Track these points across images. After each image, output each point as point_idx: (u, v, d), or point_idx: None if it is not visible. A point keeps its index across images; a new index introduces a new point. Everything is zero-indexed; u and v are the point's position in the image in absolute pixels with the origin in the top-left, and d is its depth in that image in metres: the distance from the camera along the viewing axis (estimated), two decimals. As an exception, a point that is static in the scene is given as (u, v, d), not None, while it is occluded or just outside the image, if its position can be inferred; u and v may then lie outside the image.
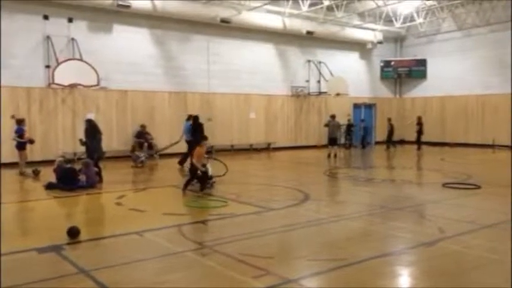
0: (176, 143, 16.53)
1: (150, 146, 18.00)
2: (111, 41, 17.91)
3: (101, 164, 11.92)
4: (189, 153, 15.37)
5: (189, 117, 15.66)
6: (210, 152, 15.07)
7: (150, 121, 18.66)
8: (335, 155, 18.60)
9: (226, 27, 20.21)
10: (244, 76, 21.26)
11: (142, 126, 18.20)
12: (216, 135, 20.11)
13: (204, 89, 20.27)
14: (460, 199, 9.58)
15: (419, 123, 22.70)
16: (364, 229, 7.26)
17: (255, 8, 20.14)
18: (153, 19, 18.67)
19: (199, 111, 20.02)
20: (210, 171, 10.52)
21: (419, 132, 22.57)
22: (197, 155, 10.05)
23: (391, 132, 23.62)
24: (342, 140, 23.99)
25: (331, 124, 19.18)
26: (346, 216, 8.04)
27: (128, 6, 17.34)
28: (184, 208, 8.49)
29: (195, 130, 14.32)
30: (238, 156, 16.70)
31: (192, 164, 10.11)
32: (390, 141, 23.45)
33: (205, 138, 11.35)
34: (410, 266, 5.46)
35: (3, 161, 14.60)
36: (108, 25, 17.91)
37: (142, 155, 16.10)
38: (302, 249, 6.14)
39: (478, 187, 10.70)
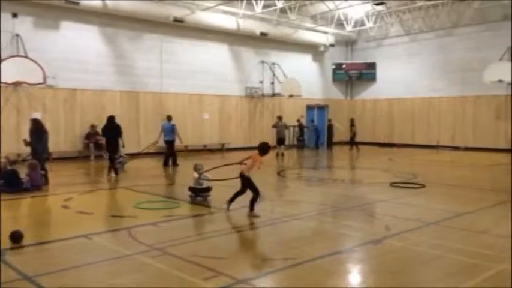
0: (156, 143, 16.63)
1: (100, 147, 17.57)
2: (59, 38, 17.28)
3: (47, 166, 11.45)
4: (170, 153, 15.66)
5: (170, 118, 15.91)
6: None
7: (100, 121, 18.11)
8: (282, 154, 19.14)
9: (179, 27, 20.00)
10: (198, 76, 21.12)
11: (92, 127, 17.69)
12: (169, 136, 19.85)
13: (157, 89, 19.96)
14: (406, 198, 9.94)
15: (353, 125, 23.40)
16: (316, 228, 7.39)
17: (208, 8, 20.06)
18: (103, 17, 18.18)
19: (151, 111, 19.79)
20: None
21: (353, 133, 23.43)
22: (253, 164, 8.00)
23: (354, 133, 24.06)
24: (295, 141, 24.43)
25: (279, 125, 19.95)
26: (298, 215, 8.14)
27: (77, 3, 16.79)
28: (134, 210, 8.30)
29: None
30: (193, 157, 16.54)
31: (244, 175, 8.00)
32: (353, 143, 23.80)
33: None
34: (358, 263, 5.60)
35: None
36: (56, 22, 17.26)
37: (121, 157, 15.84)
38: (254, 249, 6.17)
39: (423, 186, 11.15)
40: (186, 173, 13.20)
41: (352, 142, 23.50)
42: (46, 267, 5.17)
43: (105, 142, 13.37)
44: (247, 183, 7.95)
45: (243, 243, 6.57)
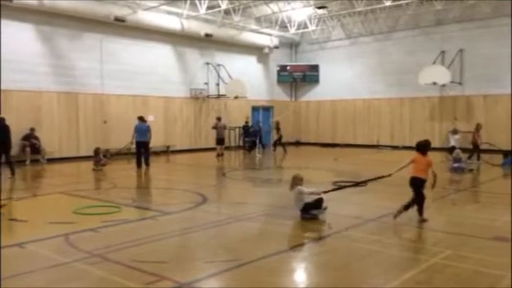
0: (131, 144, 16.26)
1: (37, 150, 16.84)
2: (-10, 36, 16.29)
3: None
4: (145, 154, 15.48)
5: (143, 119, 15.84)
6: None
7: (36, 123, 17.31)
8: (222, 155, 19.40)
9: (121, 26, 19.48)
10: (141, 77, 20.65)
11: (32, 130, 16.94)
12: (111, 138, 19.33)
13: (98, 90, 19.31)
14: (348, 196, 10.23)
15: (278, 127, 23.77)
16: (260, 229, 7.44)
17: (151, 7, 19.68)
18: (40, 15, 17.35)
19: (92, 113, 19.14)
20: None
21: (280, 136, 23.64)
22: (429, 165, 7.58)
23: (280, 136, 24.28)
24: (241, 142, 24.49)
25: (218, 126, 20.23)
26: (244, 216, 8.16)
27: (11, 0, 15.91)
28: (72, 216, 7.97)
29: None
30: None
31: (420, 178, 7.51)
32: (280, 143, 24.06)
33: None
34: (301, 261, 5.71)
35: None
36: (-14, 18, 16.26)
37: (104, 158, 15.48)
38: (198, 252, 6.11)
39: (364, 185, 11.51)
40: (147, 176, 12.91)
41: (276, 143, 23.57)
42: (-26, 280, 4.85)
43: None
44: (419, 186, 7.52)
45: (186, 246, 6.48)
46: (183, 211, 8.65)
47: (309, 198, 7.78)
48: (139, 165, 15.47)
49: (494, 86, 20.89)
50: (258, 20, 24.16)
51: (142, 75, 20.70)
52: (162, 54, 21.72)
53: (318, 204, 7.71)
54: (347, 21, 25.55)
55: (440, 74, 21.08)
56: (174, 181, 13.60)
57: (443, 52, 22.08)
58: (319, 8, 22.62)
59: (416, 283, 4.78)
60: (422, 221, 7.38)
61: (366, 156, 20.03)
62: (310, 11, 23.81)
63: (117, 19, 18.80)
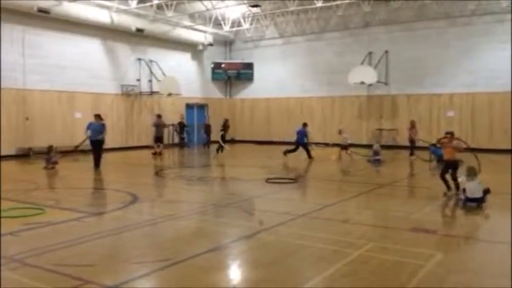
0: (84, 141, 15.36)
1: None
2: None
3: None
4: (97, 152, 14.60)
5: (99, 116, 14.94)
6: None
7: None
8: (160, 153, 18.99)
9: (45, 18, 18.45)
10: (68, 72, 19.69)
11: None
12: (34, 136, 18.32)
13: (19, 85, 18.16)
14: (280, 193, 10.43)
15: (225, 125, 23.84)
16: (193, 227, 7.37)
17: (78, -1, 18.81)
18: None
19: (14, 110, 17.99)
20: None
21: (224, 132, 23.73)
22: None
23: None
24: (176, 140, 24.15)
25: (158, 123, 19.80)
26: (176, 215, 8.05)
27: None
28: (-10, 220, 7.43)
29: None
30: (62, 159, 15.37)
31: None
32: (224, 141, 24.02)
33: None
34: (232, 258, 5.73)
35: None
36: None
37: (54, 157, 14.55)
38: (127, 253, 5.94)
39: (295, 181, 11.80)
40: (76, 177, 12.32)
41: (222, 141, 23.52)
42: None
43: None
44: (454, 168, 9.38)
45: (114, 247, 6.28)
46: (112, 211, 8.39)
47: None
48: (97, 165, 14.65)
49: (416, 87, 22.20)
50: (191, 16, 23.88)
51: (69, 70, 19.74)
52: (90, 48, 20.84)
53: None
54: (280, 20, 25.96)
55: (368, 74, 22.04)
56: (103, 180, 13.13)
57: (370, 53, 23.10)
58: (253, 6, 22.80)
59: (342, 275, 4.97)
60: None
61: (298, 153, 20.49)
62: (244, 9, 23.93)
63: (40, 10, 17.76)
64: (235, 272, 5.32)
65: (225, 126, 21.37)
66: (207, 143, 23.43)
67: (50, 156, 14.65)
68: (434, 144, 16.56)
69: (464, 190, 8.56)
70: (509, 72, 19.68)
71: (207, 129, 23.91)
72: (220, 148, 20.24)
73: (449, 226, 7.48)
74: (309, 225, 7.32)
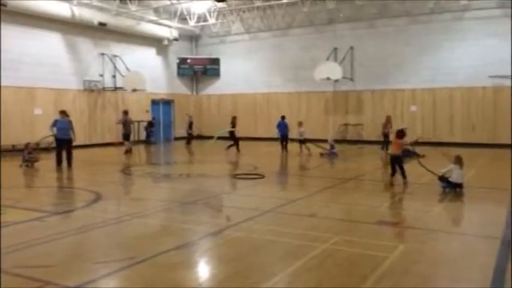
0: (46, 137, 14.87)
1: None
2: None
3: None
4: (65, 152, 13.87)
5: (65, 113, 14.22)
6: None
7: None
8: (130, 151, 18.52)
9: (2, 11, 17.70)
10: (26, 67, 18.99)
11: None
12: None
13: (-26, 81, 17.42)
14: (247, 189, 10.44)
15: (191, 121, 23.77)
16: (158, 225, 7.26)
17: (37, -8, 18.17)
18: None
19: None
20: None
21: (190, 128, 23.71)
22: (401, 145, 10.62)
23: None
24: (143, 137, 23.78)
25: (125, 120, 19.19)
26: (141, 213, 7.91)
27: None
28: None
29: None
30: (19, 157, 14.82)
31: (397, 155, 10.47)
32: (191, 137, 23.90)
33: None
34: (198, 255, 5.68)
35: None
36: None
37: (28, 155, 13.99)
38: (90, 252, 5.79)
39: (263, 177, 11.82)
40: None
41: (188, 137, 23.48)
42: None
43: None
44: (398, 161, 10.42)
45: (76, 247, 6.11)
46: (75, 210, 8.17)
47: None
48: (59, 163, 13.95)
49: (380, 83, 22.65)
50: (156, 10, 23.50)
51: (28, 65, 19.05)
52: (50, 42, 20.19)
53: None
54: (246, 16, 25.90)
55: (333, 70, 22.30)
56: (67, 179, 12.76)
57: (335, 49, 23.38)
58: (219, 1, 22.62)
59: (308, 269, 5.01)
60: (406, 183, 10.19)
61: (265, 149, 20.56)
62: (210, 4, 23.72)
63: (-3, 3, 17.07)
64: (201, 269, 5.28)
65: (234, 123, 20.77)
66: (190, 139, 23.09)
67: (26, 153, 14.11)
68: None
69: (442, 178, 9.42)
70: (467, 69, 20.41)
71: (190, 125, 23.66)
72: (233, 145, 19.43)
73: (412, 218, 7.66)
74: (276, 220, 7.35)
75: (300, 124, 18.76)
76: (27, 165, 14.00)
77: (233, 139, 19.64)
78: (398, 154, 10.53)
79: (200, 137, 25.98)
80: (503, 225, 6.77)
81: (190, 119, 23.75)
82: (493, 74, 19.31)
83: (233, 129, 19.93)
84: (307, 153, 17.74)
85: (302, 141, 18.29)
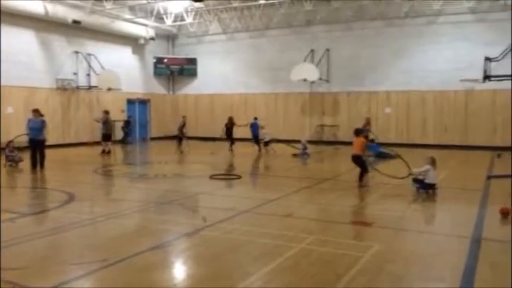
0: (19, 136, 14.28)
1: None
2: None
3: None
4: (38, 152, 13.31)
5: (38, 112, 13.53)
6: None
7: None
8: (109, 152, 18.13)
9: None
10: (-3, 65, 18.51)
11: None
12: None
13: None
14: (224, 189, 10.44)
15: (184, 122, 23.53)
16: (134, 226, 7.19)
17: (8, -12, 17.73)
18: None
19: None
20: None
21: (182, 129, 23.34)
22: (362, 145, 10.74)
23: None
24: (120, 136, 23.45)
25: (106, 120, 18.79)
26: (116, 214, 7.81)
27: None
28: None
29: None
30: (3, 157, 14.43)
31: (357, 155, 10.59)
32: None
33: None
34: (173, 256, 5.65)
35: None
36: None
37: (14, 154, 13.63)
38: (63, 254, 5.70)
39: (239, 177, 11.83)
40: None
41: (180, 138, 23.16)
42: None
43: None
44: (359, 161, 10.56)
45: (49, 249, 5.99)
46: (48, 211, 8.01)
47: None
48: (34, 165, 13.41)
49: (355, 84, 22.95)
50: (132, 9, 23.23)
51: (-1, 62, 18.57)
52: (22, 40, 19.70)
53: None
54: (224, 16, 25.85)
55: (310, 71, 22.48)
56: (39, 179, 12.48)
57: (312, 51, 23.57)
58: (196, 1, 22.49)
59: (283, 269, 5.04)
60: (364, 186, 10.39)
61: (242, 150, 20.55)
62: (187, 3, 23.59)
63: (-34, -2, 16.60)
64: (176, 270, 5.25)
65: (232, 123, 20.82)
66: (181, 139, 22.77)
67: (7, 151, 13.77)
68: (372, 140, 17.32)
69: (416, 179, 9.56)
70: (440, 73, 20.89)
71: (182, 127, 23.32)
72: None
73: (386, 218, 7.80)
74: (253, 220, 7.37)
75: (262, 127, 19.41)
76: (10, 165, 13.63)
77: (230, 139, 20.30)
78: (358, 154, 10.60)
79: (190, 138, 25.75)
80: (473, 225, 6.97)
81: (184, 119, 23.47)
82: (464, 77, 19.82)
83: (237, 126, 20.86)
84: (272, 153, 17.99)
85: (266, 143, 18.72)
